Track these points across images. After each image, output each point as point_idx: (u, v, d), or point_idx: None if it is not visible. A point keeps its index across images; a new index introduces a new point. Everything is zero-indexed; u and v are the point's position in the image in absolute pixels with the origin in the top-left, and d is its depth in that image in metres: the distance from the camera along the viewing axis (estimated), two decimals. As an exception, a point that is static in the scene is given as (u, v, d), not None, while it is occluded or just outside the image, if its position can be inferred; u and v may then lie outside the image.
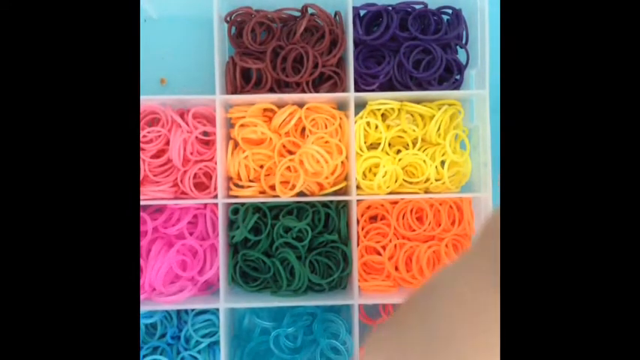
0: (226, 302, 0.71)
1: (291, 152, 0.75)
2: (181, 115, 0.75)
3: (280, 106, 0.75)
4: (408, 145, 0.75)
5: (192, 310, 0.75)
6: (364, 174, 0.74)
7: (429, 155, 0.75)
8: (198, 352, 0.74)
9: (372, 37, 0.75)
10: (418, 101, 0.75)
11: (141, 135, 0.73)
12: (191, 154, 0.74)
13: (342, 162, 0.74)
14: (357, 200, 0.73)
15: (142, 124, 0.74)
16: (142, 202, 0.70)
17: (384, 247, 0.75)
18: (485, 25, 0.72)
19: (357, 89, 0.73)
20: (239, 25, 0.76)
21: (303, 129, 0.76)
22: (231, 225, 0.76)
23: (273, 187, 0.74)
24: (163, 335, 0.75)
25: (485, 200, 0.72)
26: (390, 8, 0.76)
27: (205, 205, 0.76)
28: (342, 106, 0.77)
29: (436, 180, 0.75)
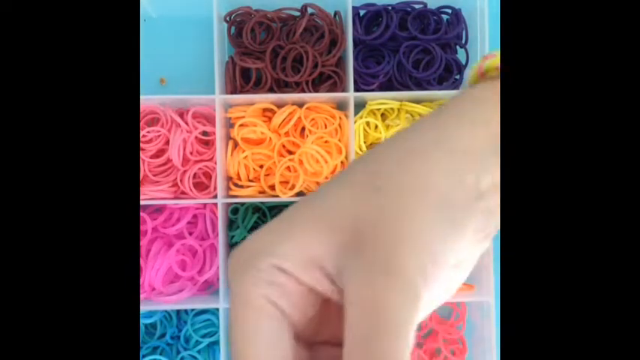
0: (226, 302, 0.71)
1: (290, 152, 0.75)
2: (181, 115, 0.75)
3: (280, 105, 0.75)
4: (407, 144, 0.75)
5: (192, 309, 0.75)
6: (364, 174, 0.74)
7: (429, 155, 0.74)
8: (198, 351, 0.74)
9: (372, 36, 0.74)
10: (418, 101, 0.75)
11: (141, 135, 0.73)
12: (191, 153, 0.74)
13: (341, 162, 0.74)
14: (357, 200, 0.73)
15: (141, 123, 0.74)
16: (141, 202, 0.70)
17: (383, 247, 0.75)
18: (484, 24, 0.72)
19: (357, 89, 0.73)
20: (238, 24, 0.76)
21: (303, 129, 0.76)
22: (230, 225, 0.75)
23: (272, 187, 0.74)
24: (163, 335, 0.75)
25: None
26: (390, 8, 0.76)
27: (205, 204, 0.76)
28: (341, 106, 0.77)
29: (436, 180, 0.75)
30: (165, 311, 0.76)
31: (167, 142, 0.74)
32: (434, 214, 0.19)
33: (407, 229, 0.19)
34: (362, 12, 0.76)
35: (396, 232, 0.19)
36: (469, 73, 0.24)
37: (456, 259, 0.20)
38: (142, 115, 0.74)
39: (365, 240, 0.19)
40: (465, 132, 0.21)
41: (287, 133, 0.75)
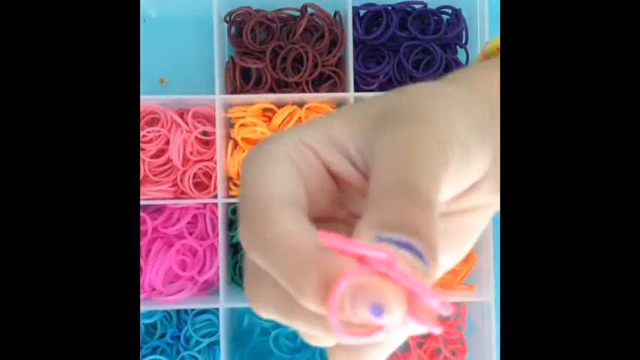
0: (226, 302, 0.71)
1: (290, 152, 0.75)
2: (181, 115, 0.75)
3: (280, 105, 0.75)
4: (407, 144, 0.75)
5: (192, 309, 0.75)
6: (364, 174, 0.74)
7: (429, 155, 0.74)
8: (198, 351, 0.74)
9: (372, 36, 0.74)
10: (418, 101, 0.75)
11: (141, 135, 0.73)
12: (191, 153, 0.74)
13: (341, 162, 0.74)
14: (357, 200, 0.73)
15: (141, 123, 0.74)
16: (141, 202, 0.71)
17: (383, 247, 0.75)
18: (485, 25, 0.72)
19: (357, 89, 0.73)
20: (239, 24, 0.76)
21: (303, 129, 0.75)
22: (230, 225, 0.75)
23: (272, 187, 0.74)
24: (163, 335, 0.75)
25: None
26: (390, 8, 0.76)
27: (205, 204, 0.76)
28: (341, 106, 0.77)
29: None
30: (166, 311, 0.76)
31: (167, 142, 0.74)
32: (460, 111, 0.20)
33: (437, 107, 0.19)
34: (362, 12, 0.76)
35: (426, 107, 0.19)
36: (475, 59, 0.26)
37: (455, 190, 0.20)
38: (142, 115, 0.74)
39: (393, 114, 0.19)
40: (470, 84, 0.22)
41: (287, 133, 0.75)
